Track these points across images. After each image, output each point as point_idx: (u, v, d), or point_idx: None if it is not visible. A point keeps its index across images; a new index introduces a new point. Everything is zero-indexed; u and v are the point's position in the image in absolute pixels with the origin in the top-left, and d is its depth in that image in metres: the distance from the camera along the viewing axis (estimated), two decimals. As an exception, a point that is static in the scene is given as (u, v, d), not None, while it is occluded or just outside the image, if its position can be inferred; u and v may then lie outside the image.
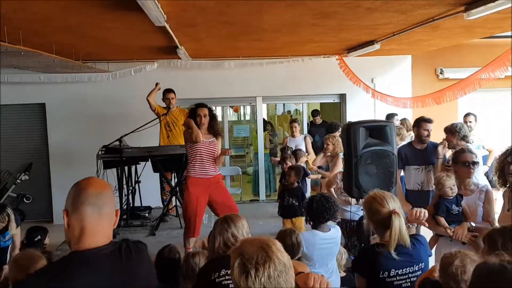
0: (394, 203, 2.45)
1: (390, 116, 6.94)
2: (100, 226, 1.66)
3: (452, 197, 3.68)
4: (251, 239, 1.58)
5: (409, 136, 6.92)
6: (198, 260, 2.98)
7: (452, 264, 2.22)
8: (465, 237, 3.53)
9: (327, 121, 8.59)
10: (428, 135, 4.93)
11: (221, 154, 5.06)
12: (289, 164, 5.84)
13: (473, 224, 3.61)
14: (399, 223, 2.35)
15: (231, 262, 1.53)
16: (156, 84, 6.64)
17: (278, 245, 1.52)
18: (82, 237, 1.62)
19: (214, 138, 5.10)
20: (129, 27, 4.63)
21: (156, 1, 3.28)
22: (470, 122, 6.34)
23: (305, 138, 7.25)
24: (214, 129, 5.11)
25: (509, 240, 2.36)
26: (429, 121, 4.96)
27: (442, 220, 3.65)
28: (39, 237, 4.40)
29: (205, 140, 5.02)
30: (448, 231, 3.59)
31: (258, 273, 1.43)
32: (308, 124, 9.00)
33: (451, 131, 4.75)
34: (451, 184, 3.66)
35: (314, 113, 8.95)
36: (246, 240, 1.58)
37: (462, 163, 3.82)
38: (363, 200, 2.65)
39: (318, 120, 8.82)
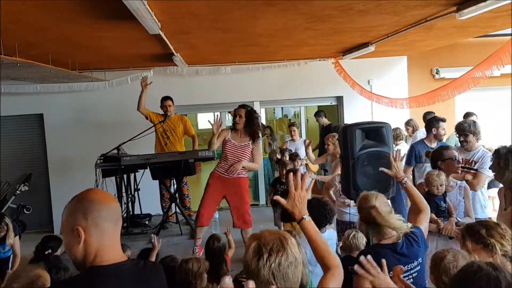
0: (377, 200, 2.52)
1: (467, 115, 6.49)
2: (116, 240, 1.66)
3: (440, 195, 3.80)
4: (272, 230, 1.68)
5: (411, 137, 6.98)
6: (191, 266, 3.04)
7: (445, 259, 2.26)
8: (453, 232, 3.66)
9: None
10: (445, 134, 5.25)
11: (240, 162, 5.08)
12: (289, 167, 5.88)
13: (459, 219, 3.76)
14: (379, 216, 2.43)
15: (247, 245, 1.65)
16: (144, 85, 6.46)
17: (294, 241, 1.63)
18: (100, 253, 1.59)
19: (250, 141, 5.12)
20: (124, 36, 4.65)
21: (149, 10, 3.30)
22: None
23: (304, 141, 7.26)
24: (250, 132, 5.12)
25: (490, 228, 2.40)
26: (444, 120, 5.28)
27: (433, 216, 3.72)
28: (49, 250, 4.30)
29: (237, 143, 5.11)
30: (440, 225, 3.71)
31: (270, 258, 1.53)
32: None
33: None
34: (438, 184, 3.78)
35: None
36: (266, 230, 1.67)
37: (450, 159, 3.95)
38: (357, 204, 2.71)
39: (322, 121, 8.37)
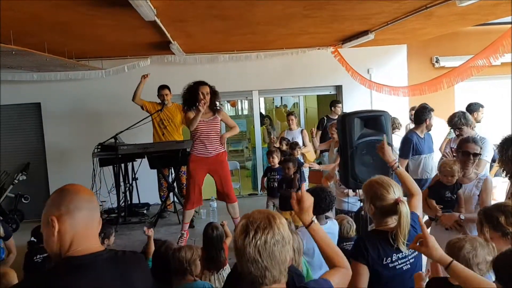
0: (398, 191, 2.42)
1: (472, 106, 6.15)
2: (92, 231, 1.63)
3: (449, 185, 3.69)
4: (263, 210, 1.68)
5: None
6: (184, 254, 3.05)
7: (463, 248, 2.22)
8: (448, 225, 3.60)
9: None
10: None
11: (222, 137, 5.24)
12: (276, 158, 5.87)
13: (462, 217, 3.61)
14: (406, 211, 2.31)
15: (238, 223, 1.66)
16: (143, 77, 6.43)
17: (284, 220, 1.62)
18: (75, 243, 1.56)
19: (216, 114, 5.16)
20: (119, 23, 4.59)
21: (144, -4, 3.26)
22: (482, 114, 6.29)
23: (302, 131, 7.23)
24: (214, 105, 5.18)
25: (510, 215, 2.35)
26: (432, 110, 5.27)
27: (433, 203, 3.71)
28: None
29: (205, 119, 5.12)
30: (438, 213, 3.65)
31: (256, 236, 1.54)
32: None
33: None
34: (449, 174, 3.66)
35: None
36: (257, 210, 1.68)
37: (462, 153, 3.82)
38: (364, 184, 2.58)
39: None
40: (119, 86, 7.56)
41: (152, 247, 3.70)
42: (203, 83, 5.16)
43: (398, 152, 6.16)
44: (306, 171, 6.45)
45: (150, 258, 3.52)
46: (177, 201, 6.54)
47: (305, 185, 6.33)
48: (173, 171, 6.70)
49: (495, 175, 5.59)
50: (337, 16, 4.98)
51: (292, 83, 8.21)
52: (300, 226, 3.82)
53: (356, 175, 3.76)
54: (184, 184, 6.87)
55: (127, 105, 7.21)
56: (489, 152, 4.56)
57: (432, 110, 5.29)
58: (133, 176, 6.74)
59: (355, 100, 8.07)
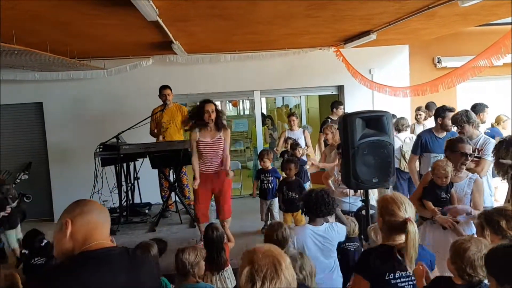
0: (411, 211, 2.44)
1: (477, 106, 6.17)
2: (105, 232, 1.76)
3: (443, 186, 3.71)
4: (265, 249, 1.65)
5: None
6: (188, 255, 3.07)
7: (469, 250, 2.23)
8: (446, 223, 3.59)
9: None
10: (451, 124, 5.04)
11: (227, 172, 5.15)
12: (267, 162, 5.89)
13: (473, 213, 3.59)
14: (414, 231, 2.33)
15: (241, 264, 1.63)
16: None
17: (288, 262, 1.62)
18: (88, 240, 1.68)
19: (221, 134, 5.15)
20: (122, 23, 4.59)
21: (146, -4, 3.26)
22: (504, 122, 6.27)
23: (304, 131, 7.22)
24: (220, 124, 5.14)
25: (510, 219, 2.37)
26: (452, 110, 5.11)
27: (430, 205, 3.70)
28: (42, 242, 4.22)
29: (209, 140, 5.11)
30: (436, 216, 3.64)
31: (263, 287, 1.54)
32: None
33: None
34: (443, 176, 3.67)
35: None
36: (259, 250, 1.64)
37: (460, 153, 3.81)
38: (380, 197, 2.62)
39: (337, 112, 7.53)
40: (121, 86, 7.59)
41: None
42: (208, 101, 5.15)
43: (401, 152, 6.18)
44: (309, 172, 6.43)
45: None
46: (179, 200, 6.55)
47: (308, 185, 6.35)
48: (174, 171, 6.70)
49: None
50: (339, 16, 4.97)
51: (293, 83, 8.21)
52: (301, 225, 3.82)
53: (358, 175, 3.77)
54: (185, 185, 6.89)
55: (129, 105, 7.24)
56: None
57: (450, 110, 5.11)
58: (135, 176, 6.75)
59: (357, 100, 8.06)
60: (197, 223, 5.44)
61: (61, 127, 7.71)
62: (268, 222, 5.75)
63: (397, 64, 8.25)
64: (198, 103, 5.28)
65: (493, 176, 5.25)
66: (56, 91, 7.63)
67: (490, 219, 2.48)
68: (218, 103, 9.25)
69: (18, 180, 7.50)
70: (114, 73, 7.49)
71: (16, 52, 4.72)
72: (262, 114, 9.23)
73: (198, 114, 5.09)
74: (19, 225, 5.36)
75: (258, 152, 8.69)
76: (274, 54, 7.71)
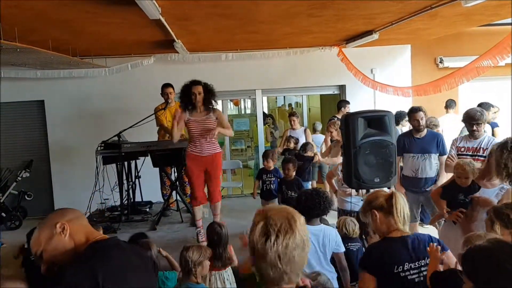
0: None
1: (483, 105, 6.11)
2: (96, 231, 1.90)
3: (463, 186, 3.64)
4: (279, 207, 1.63)
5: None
6: (192, 254, 3.07)
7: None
8: (452, 217, 3.60)
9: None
10: (419, 124, 5.05)
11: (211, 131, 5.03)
12: (271, 162, 5.85)
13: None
14: (401, 198, 2.41)
15: (254, 221, 1.58)
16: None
17: (302, 220, 1.58)
18: (90, 236, 1.79)
19: (211, 114, 5.10)
20: (124, 21, 4.59)
21: (149, -6, 3.26)
22: (495, 113, 6.25)
23: (305, 130, 7.22)
24: (208, 104, 5.09)
25: None
26: (416, 110, 5.09)
27: (443, 204, 3.71)
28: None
29: (198, 118, 5.06)
30: (445, 214, 3.66)
31: (277, 240, 1.49)
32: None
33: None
34: (463, 176, 3.63)
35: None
36: (273, 207, 1.62)
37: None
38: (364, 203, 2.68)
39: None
40: (122, 84, 7.58)
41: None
42: (195, 83, 5.09)
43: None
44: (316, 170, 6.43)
45: None
46: (180, 199, 6.55)
47: (313, 183, 6.32)
48: (175, 170, 6.70)
49: None
50: (341, 16, 4.97)
51: (295, 82, 8.20)
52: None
53: (359, 175, 3.77)
54: (186, 182, 6.88)
55: (131, 103, 7.23)
56: None
57: (412, 111, 5.14)
58: (136, 174, 6.74)
59: (359, 100, 8.04)
60: (192, 206, 5.44)
61: (62, 125, 7.71)
62: None
63: (399, 64, 8.24)
64: (187, 83, 5.13)
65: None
66: (57, 89, 7.63)
67: (499, 213, 2.50)
68: (219, 102, 9.32)
69: (19, 178, 7.51)
70: (116, 72, 7.49)
71: (18, 50, 4.73)
72: (264, 113, 9.23)
73: (187, 96, 5.06)
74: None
75: (259, 151, 8.75)
76: (276, 53, 7.71)
